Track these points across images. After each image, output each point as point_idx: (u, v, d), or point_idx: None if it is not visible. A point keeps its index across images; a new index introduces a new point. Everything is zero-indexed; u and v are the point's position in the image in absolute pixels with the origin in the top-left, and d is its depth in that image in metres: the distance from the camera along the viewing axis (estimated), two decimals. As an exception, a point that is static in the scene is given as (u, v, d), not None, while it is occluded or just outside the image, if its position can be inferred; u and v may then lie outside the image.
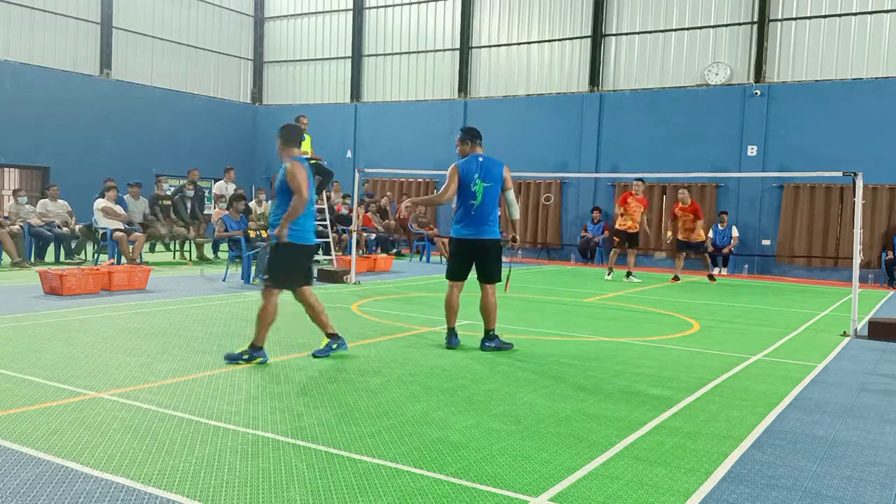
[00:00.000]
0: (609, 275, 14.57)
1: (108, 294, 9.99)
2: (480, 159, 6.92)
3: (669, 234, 15.44)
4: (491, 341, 7.03)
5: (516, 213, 7.21)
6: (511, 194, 7.12)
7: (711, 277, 15.28)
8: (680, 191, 15.40)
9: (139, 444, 3.98)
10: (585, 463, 3.95)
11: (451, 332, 7.14)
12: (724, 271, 17.59)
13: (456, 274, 7.14)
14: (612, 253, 15.01)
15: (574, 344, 7.56)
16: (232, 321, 8.12)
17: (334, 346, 6.45)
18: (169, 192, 16.58)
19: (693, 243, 15.10)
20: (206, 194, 17.74)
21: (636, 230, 14.48)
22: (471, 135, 7.06)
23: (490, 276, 7.07)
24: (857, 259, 9.08)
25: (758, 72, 17.76)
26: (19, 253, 13.16)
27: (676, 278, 15.14)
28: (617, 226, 14.69)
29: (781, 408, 5.26)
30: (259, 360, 6.08)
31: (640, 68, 19.29)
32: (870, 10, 16.83)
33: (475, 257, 7.04)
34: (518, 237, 7.29)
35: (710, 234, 17.66)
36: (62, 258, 14.16)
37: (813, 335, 8.71)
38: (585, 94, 19.69)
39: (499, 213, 7.21)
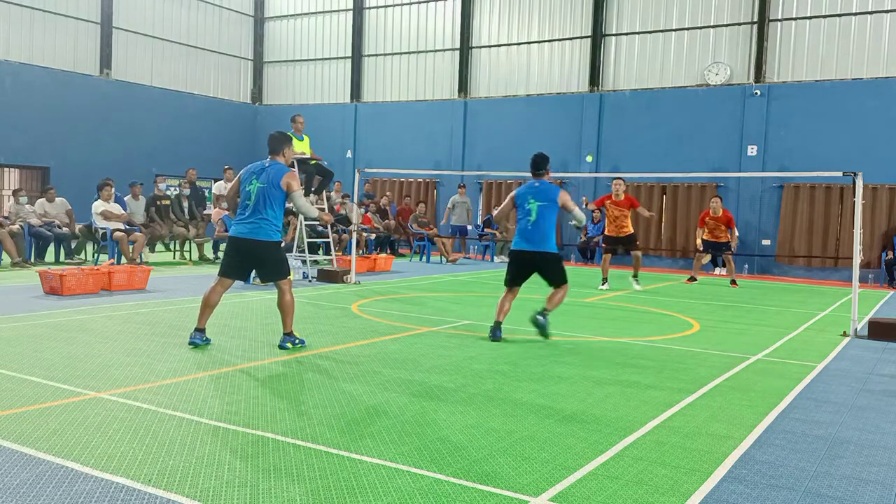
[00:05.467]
0: (604, 284, 12.93)
1: (108, 294, 9.99)
2: (536, 184, 7.84)
3: (699, 241, 14.88)
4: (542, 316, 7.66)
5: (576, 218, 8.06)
6: (578, 213, 7.97)
7: (734, 282, 14.57)
8: (712, 199, 14.75)
9: (139, 444, 3.98)
10: (585, 463, 3.95)
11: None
12: (724, 271, 17.57)
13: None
14: (603, 260, 13.39)
15: (574, 344, 7.56)
16: (232, 321, 8.12)
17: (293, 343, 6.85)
18: (169, 193, 16.58)
19: (719, 243, 14.68)
20: (207, 194, 17.75)
21: (626, 234, 13.10)
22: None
23: (555, 282, 7.92)
24: (857, 259, 9.08)
25: (758, 72, 17.76)
26: (19, 253, 13.16)
27: (693, 279, 14.93)
28: (606, 231, 13.40)
29: (781, 408, 5.26)
30: (299, 344, 6.78)
31: (640, 68, 19.28)
32: (870, 10, 16.83)
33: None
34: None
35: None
36: (62, 258, 14.16)
37: (813, 335, 8.71)
38: (585, 94, 19.69)
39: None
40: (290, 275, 6.75)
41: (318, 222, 14.39)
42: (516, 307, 8.57)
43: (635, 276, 13.29)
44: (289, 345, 6.67)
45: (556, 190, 7.80)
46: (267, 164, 6.65)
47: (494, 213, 8.24)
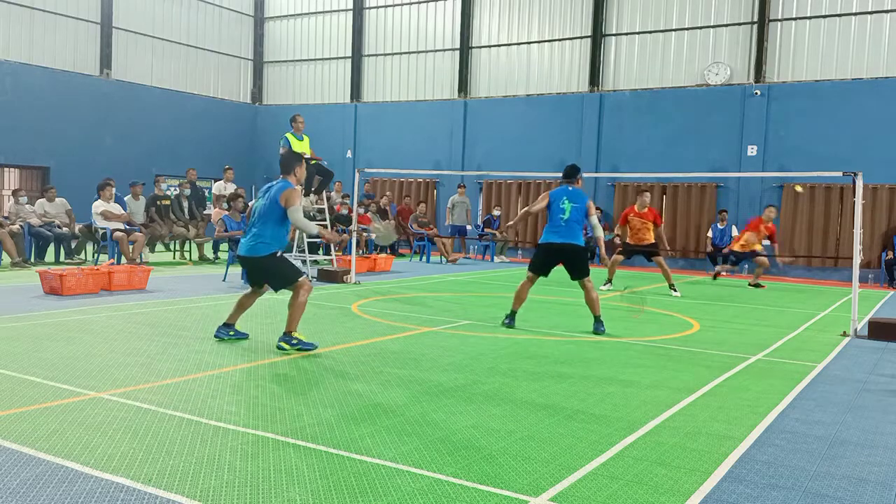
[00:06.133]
0: (606, 285, 12.78)
1: (108, 294, 9.99)
2: (570, 188, 8.57)
3: (737, 247, 14.77)
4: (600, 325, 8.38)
5: (598, 233, 8.79)
6: (594, 220, 8.62)
7: (758, 285, 14.49)
8: (769, 209, 14.83)
9: (139, 444, 3.98)
10: (585, 463, 3.95)
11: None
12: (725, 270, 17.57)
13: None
14: (612, 260, 13.01)
15: (574, 344, 7.56)
16: (232, 321, 8.12)
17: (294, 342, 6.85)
18: (169, 193, 16.57)
19: (747, 253, 14.66)
20: (207, 194, 17.74)
21: (647, 243, 12.87)
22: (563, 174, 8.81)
23: (579, 275, 8.50)
24: (857, 259, 9.08)
25: (758, 72, 17.76)
26: (19, 253, 13.16)
27: (718, 275, 15.35)
28: (627, 239, 13.05)
29: (781, 408, 5.26)
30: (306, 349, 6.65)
31: (640, 68, 19.28)
32: (870, 10, 16.83)
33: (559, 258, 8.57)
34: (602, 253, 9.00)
35: (710, 234, 17.66)
36: (62, 258, 14.16)
37: (813, 335, 8.71)
38: (585, 94, 19.69)
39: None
40: (300, 278, 6.66)
41: (318, 222, 14.41)
42: (529, 308, 8.58)
43: (671, 285, 12.71)
44: (285, 345, 6.57)
45: (586, 197, 8.63)
46: (275, 182, 6.79)
47: (530, 207, 8.97)
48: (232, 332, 6.98)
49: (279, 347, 6.56)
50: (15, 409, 4.54)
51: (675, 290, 12.61)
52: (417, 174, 21.86)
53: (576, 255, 8.41)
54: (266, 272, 6.75)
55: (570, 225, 8.39)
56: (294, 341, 6.60)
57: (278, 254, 6.70)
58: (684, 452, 4.19)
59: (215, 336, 6.94)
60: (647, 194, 13.09)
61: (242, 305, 7.00)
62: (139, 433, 4.17)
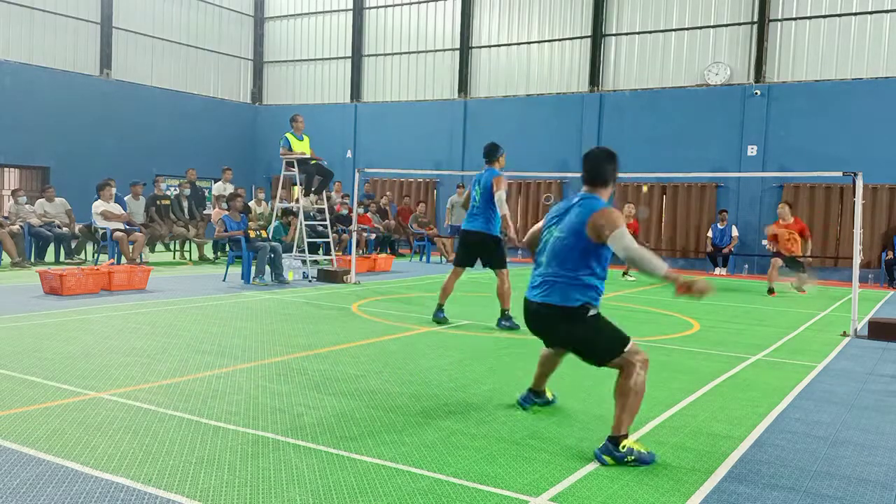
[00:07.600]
0: None
1: (108, 294, 9.99)
2: (483, 171, 8.25)
3: (769, 246, 13.29)
4: (507, 321, 8.24)
5: (500, 210, 8.08)
6: (498, 195, 8.00)
7: (771, 291, 13.11)
8: (780, 206, 13.34)
9: (139, 444, 3.98)
10: (586, 463, 3.95)
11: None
12: (724, 271, 17.58)
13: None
14: None
15: (574, 344, 7.55)
16: (232, 321, 8.12)
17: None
18: (169, 193, 16.57)
19: (789, 257, 13.19)
20: (206, 194, 17.74)
21: None
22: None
23: (489, 264, 8.42)
24: (857, 259, 9.08)
25: (758, 72, 17.76)
26: (19, 253, 13.16)
27: (771, 290, 13.12)
28: None
29: (781, 408, 5.26)
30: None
31: (640, 68, 19.28)
32: (870, 10, 16.83)
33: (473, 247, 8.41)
34: (509, 233, 8.17)
35: (710, 234, 17.66)
36: (62, 258, 14.16)
37: (813, 335, 8.70)
38: (585, 94, 19.69)
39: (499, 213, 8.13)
40: (627, 345, 4.43)
41: (318, 222, 14.41)
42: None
43: (626, 273, 14.38)
44: (608, 459, 3.93)
45: (492, 175, 8.10)
46: (577, 198, 4.50)
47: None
48: (539, 400, 5.04)
49: (601, 460, 3.95)
50: (15, 409, 4.54)
51: (629, 276, 14.24)
52: (417, 174, 21.86)
53: (485, 244, 8.20)
54: (573, 338, 4.51)
55: (479, 211, 8.15)
56: (628, 455, 3.94)
57: (591, 311, 4.49)
58: (684, 452, 4.19)
59: (519, 404, 5.00)
60: (632, 206, 14.65)
61: (544, 367, 4.97)
62: (139, 433, 4.17)
